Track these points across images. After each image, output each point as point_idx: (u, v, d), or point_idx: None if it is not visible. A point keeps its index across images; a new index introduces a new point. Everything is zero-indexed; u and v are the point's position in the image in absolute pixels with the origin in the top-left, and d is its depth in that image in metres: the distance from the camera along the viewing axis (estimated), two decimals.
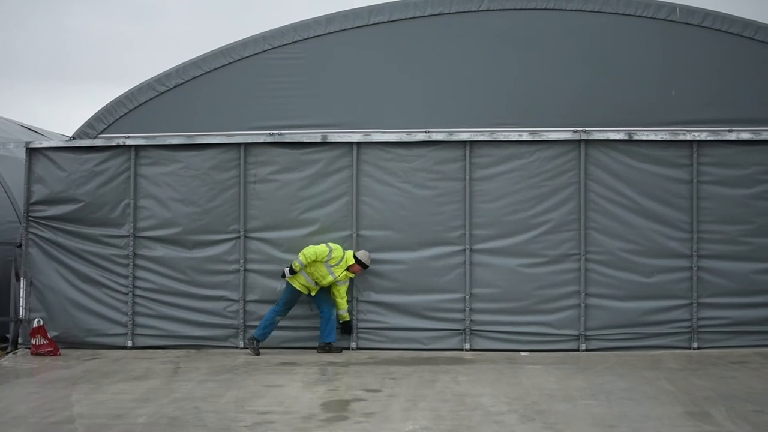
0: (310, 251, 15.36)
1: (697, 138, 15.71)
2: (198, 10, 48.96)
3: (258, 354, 15.50)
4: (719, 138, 15.72)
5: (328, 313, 15.75)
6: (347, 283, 15.78)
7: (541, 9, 16.00)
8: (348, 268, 15.62)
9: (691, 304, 15.76)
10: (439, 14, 16.12)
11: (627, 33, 15.96)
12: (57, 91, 48.85)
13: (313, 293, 15.75)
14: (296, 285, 15.62)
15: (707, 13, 15.83)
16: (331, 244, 15.59)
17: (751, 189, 15.77)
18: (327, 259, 15.44)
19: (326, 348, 15.75)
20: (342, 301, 15.75)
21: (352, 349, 15.98)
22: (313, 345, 15.97)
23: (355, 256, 15.65)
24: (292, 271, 15.43)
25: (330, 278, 15.52)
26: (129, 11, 48.82)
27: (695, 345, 15.73)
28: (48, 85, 49.67)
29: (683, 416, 10.99)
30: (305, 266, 15.43)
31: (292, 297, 15.69)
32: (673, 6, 15.86)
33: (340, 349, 15.84)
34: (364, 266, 15.73)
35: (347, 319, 15.88)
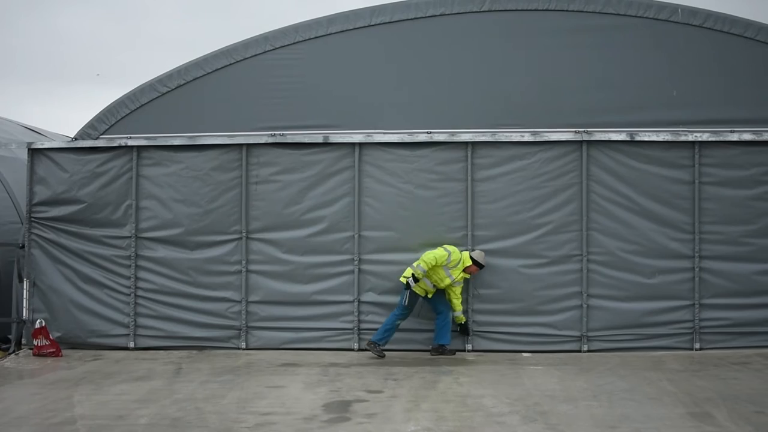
0: (429, 257, 15.27)
1: (699, 139, 15.71)
2: (187, 10, 48.97)
3: (383, 356, 15.41)
4: (721, 139, 15.72)
5: (445, 315, 15.65)
6: (462, 284, 15.69)
7: (542, 10, 15.99)
8: (464, 270, 15.55)
9: (693, 305, 15.76)
10: (440, 15, 16.12)
11: (628, 34, 15.95)
12: (50, 92, 48.87)
13: (430, 296, 15.65)
14: (416, 289, 15.47)
15: (709, 14, 15.82)
16: (448, 247, 15.50)
17: (752, 190, 15.78)
18: (446, 262, 15.36)
19: (440, 350, 15.65)
20: (458, 302, 15.64)
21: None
22: (315, 347, 16.03)
23: (471, 257, 15.58)
24: (416, 279, 15.32)
25: (448, 281, 15.45)
26: (117, 12, 48.85)
27: (697, 346, 15.74)
28: (40, 87, 49.66)
29: (685, 417, 11.01)
30: (426, 272, 15.34)
31: (412, 301, 15.52)
32: (675, 7, 15.84)
33: (453, 352, 15.75)
34: (480, 266, 15.66)
35: (463, 320, 15.78)
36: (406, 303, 15.40)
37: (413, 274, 15.22)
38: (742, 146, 15.75)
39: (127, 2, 47.63)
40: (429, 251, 15.37)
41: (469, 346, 15.98)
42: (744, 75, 15.83)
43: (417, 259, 15.58)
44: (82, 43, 49.65)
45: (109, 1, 48.12)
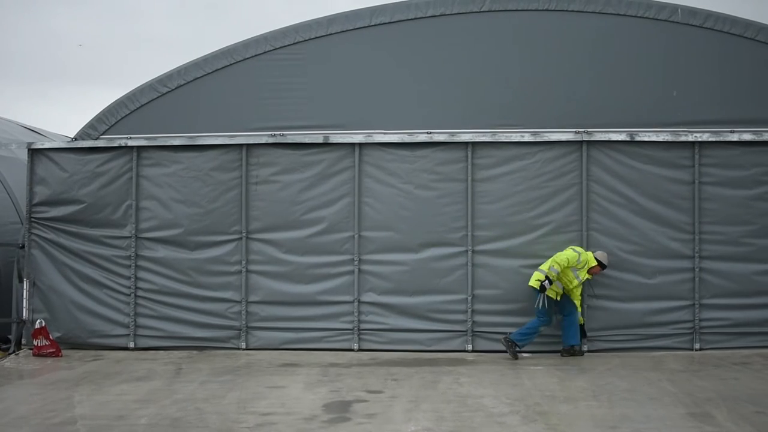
0: (562, 258, 15.23)
1: (699, 139, 15.72)
2: (181, 10, 48.89)
3: (517, 358, 15.31)
4: (721, 139, 15.73)
5: (573, 316, 15.58)
6: (582, 286, 15.65)
7: (542, 10, 16.00)
8: (588, 270, 15.52)
9: (693, 305, 15.76)
10: (441, 15, 16.12)
11: (628, 34, 15.96)
12: (44, 94, 48.79)
13: (559, 298, 15.58)
14: (550, 293, 15.41)
15: (709, 14, 15.82)
16: (576, 248, 15.48)
17: (752, 190, 15.79)
18: (576, 263, 15.34)
19: (570, 351, 15.60)
20: (578, 303, 15.61)
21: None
22: (315, 347, 16.05)
23: (595, 258, 15.54)
24: (551, 282, 15.28)
25: (575, 282, 15.42)
26: (112, 12, 48.76)
27: (697, 346, 15.73)
28: (35, 88, 49.57)
29: (685, 417, 11.01)
30: (558, 274, 15.33)
31: (550, 303, 15.41)
32: (675, 7, 15.85)
33: (582, 352, 15.76)
34: (603, 267, 15.63)
35: (582, 322, 15.75)
36: (545, 307, 15.33)
37: (547, 276, 15.19)
38: (742, 146, 15.75)
39: (122, 3, 47.62)
40: (559, 253, 15.35)
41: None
42: (744, 75, 15.83)
43: (419, 259, 15.61)
44: (77, 44, 49.62)
45: (104, 2, 48.09)
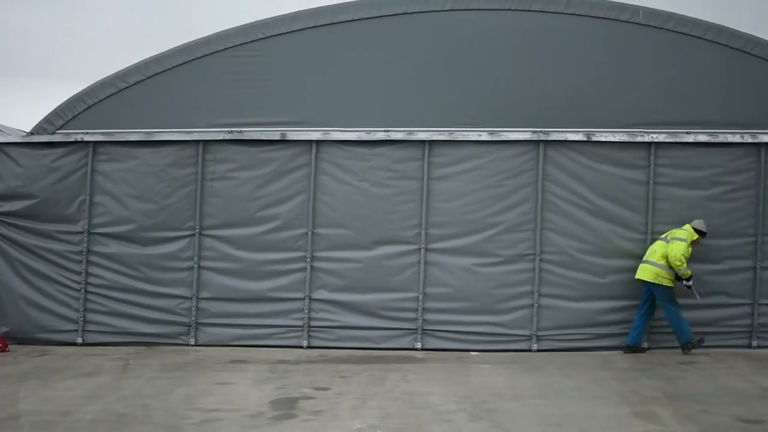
0: (679, 256, 15.13)
1: (655, 139, 15.69)
2: (132, 5, 48.65)
3: (701, 343, 15.28)
4: (677, 140, 15.71)
5: (648, 316, 15.60)
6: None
7: (504, 9, 15.97)
8: (692, 243, 15.44)
9: None
10: (402, 13, 16.09)
11: (589, 34, 15.92)
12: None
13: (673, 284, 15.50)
14: (666, 283, 15.33)
15: (669, 16, 15.81)
16: (679, 235, 15.39)
17: (707, 191, 15.76)
18: (688, 252, 15.31)
19: (690, 345, 15.41)
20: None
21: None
22: (264, 344, 15.94)
23: (695, 229, 15.44)
24: (690, 279, 15.35)
25: (688, 271, 15.35)
26: (59, 7, 48.49)
27: (645, 345, 15.65)
28: None
29: (630, 416, 11.00)
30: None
31: (669, 292, 15.33)
32: (636, 9, 15.84)
33: (644, 349, 15.67)
34: (703, 234, 15.49)
35: (689, 274, 15.44)
36: (669, 297, 15.35)
37: (682, 276, 15.26)
38: (698, 147, 15.73)
39: None
40: (673, 251, 15.17)
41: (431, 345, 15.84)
42: (701, 77, 15.81)
43: (371, 257, 15.76)
44: (23, 38, 49.39)
45: None
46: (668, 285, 15.29)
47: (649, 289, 15.41)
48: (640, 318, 15.50)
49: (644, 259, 15.49)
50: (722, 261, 15.63)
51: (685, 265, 15.12)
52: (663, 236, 15.50)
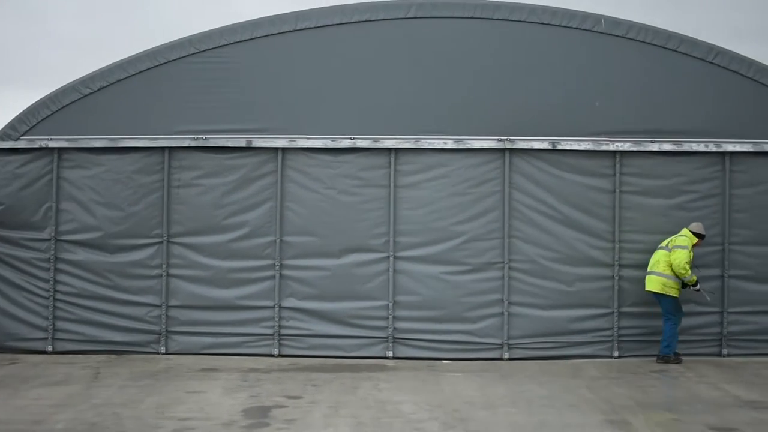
0: (682, 263, 15.26)
1: (620, 148, 15.86)
2: (89, 11, 47.92)
3: (680, 361, 15.39)
4: (642, 149, 15.90)
5: (675, 322, 15.62)
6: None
7: (467, 18, 16.03)
8: (692, 246, 15.57)
9: (613, 313, 15.92)
10: (366, 21, 16.08)
11: (553, 43, 16.04)
12: None
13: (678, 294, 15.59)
14: (673, 293, 15.50)
15: (632, 25, 15.96)
16: (680, 242, 15.49)
17: (672, 199, 15.99)
18: (690, 258, 15.41)
19: (665, 359, 15.63)
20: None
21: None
22: (235, 352, 15.94)
23: (694, 233, 15.56)
24: (697, 283, 15.49)
25: (694, 278, 15.49)
26: (20, 11, 47.74)
27: (616, 353, 15.88)
28: None
29: (602, 424, 11.15)
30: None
31: (675, 303, 15.50)
32: (599, 17, 15.96)
33: (680, 359, 15.66)
34: (702, 237, 15.62)
35: (695, 280, 15.63)
36: (674, 309, 15.53)
37: (690, 282, 15.42)
38: (663, 156, 15.94)
39: (30, 2, 46.65)
40: (678, 257, 15.29)
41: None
42: (665, 86, 16.00)
43: (340, 265, 15.81)
44: None
45: (12, 1, 47.06)
46: (674, 296, 15.50)
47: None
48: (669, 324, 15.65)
49: (648, 270, 15.67)
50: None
51: (690, 271, 15.31)
52: (664, 245, 15.67)
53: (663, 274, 15.46)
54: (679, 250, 15.39)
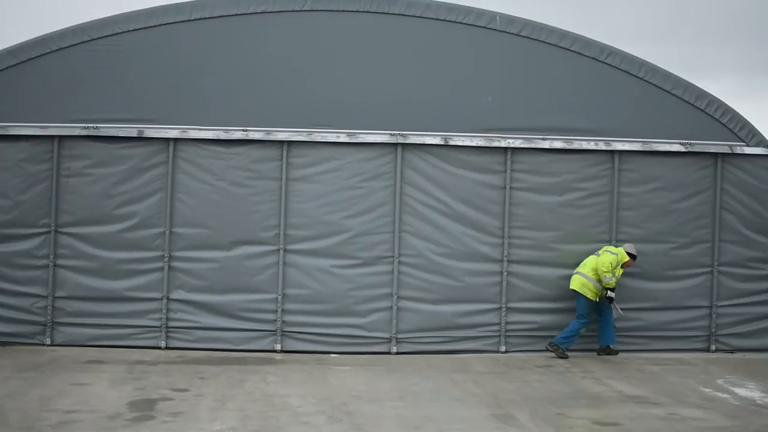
0: (607, 264, 15.44)
1: (511, 145, 16.00)
2: None
3: (566, 357, 15.54)
4: (532, 146, 16.05)
5: (610, 316, 15.80)
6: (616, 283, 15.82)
7: (363, 11, 16.03)
8: (622, 266, 15.66)
9: (500, 308, 16.05)
10: (262, 12, 15.99)
11: (447, 39, 16.11)
12: None
13: (597, 299, 15.73)
14: (589, 295, 15.60)
15: (526, 23, 16.09)
16: (611, 249, 15.71)
17: (561, 196, 16.18)
18: (616, 265, 15.49)
19: (607, 350, 15.86)
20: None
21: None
22: (122, 344, 15.75)
23: (626, 252, 15.67)
24: (613, 290, 15.66)
25: (612, 282, 15.56)
26: None
27: (503, 348, 16.02)
28: None
29: (488, 418, 11.27)
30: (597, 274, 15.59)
31: (589, 306, 15.69)
32: (494, 14, 16.07)
33: (617, 352, 15.95)
34: (634, 258, 15.74)
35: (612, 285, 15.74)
36: (587, 311, 15.69)
37: (607, 287, 15.58)
38: (553, 154, 16.12)
39: None
40: (603, 260, 15.54)
41: (278, 346, 15.87)
42: (557, 84, 16.18)
43: (229, 257, 15.68)
44: None
45: None
46: (590, 297, 15.70)
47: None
48: (603, 321, 15.96)
49: (576, 270, 15.88)
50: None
51: (611, 275, 15.49)
52: (597, 252, 15.87)
53: (585, 275, 15.69)
54: (609, 254, 15.65)
